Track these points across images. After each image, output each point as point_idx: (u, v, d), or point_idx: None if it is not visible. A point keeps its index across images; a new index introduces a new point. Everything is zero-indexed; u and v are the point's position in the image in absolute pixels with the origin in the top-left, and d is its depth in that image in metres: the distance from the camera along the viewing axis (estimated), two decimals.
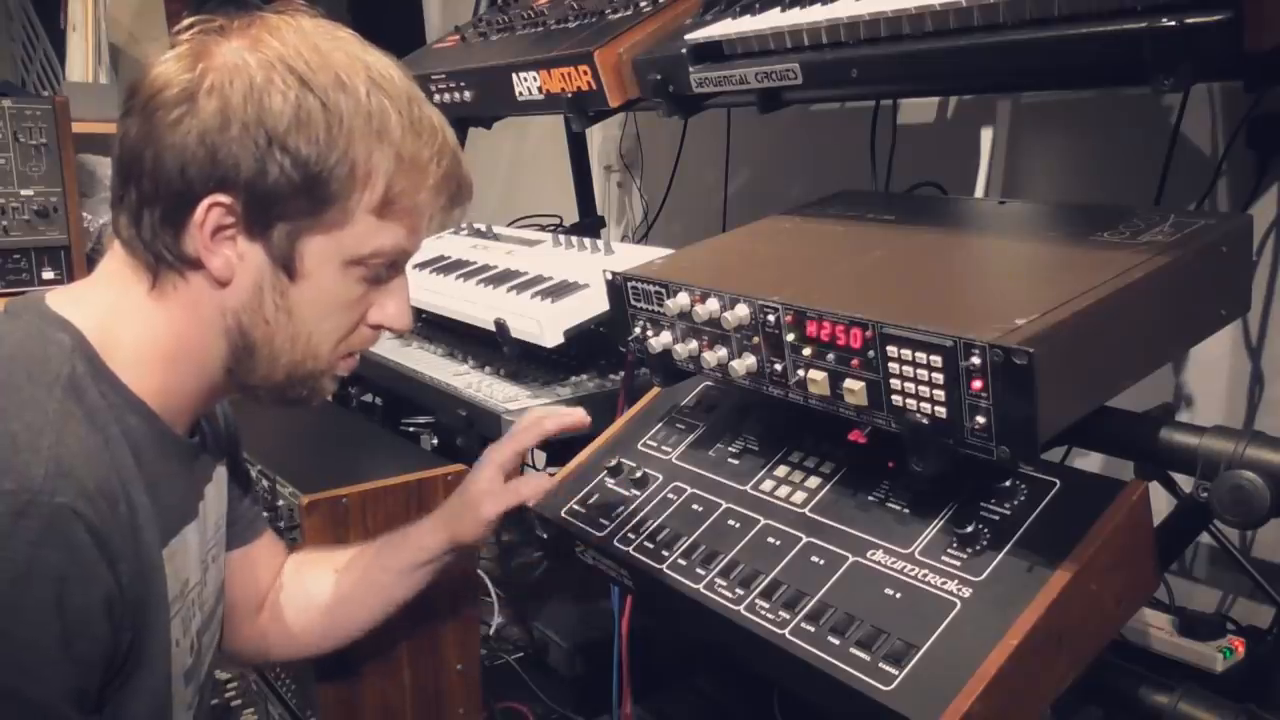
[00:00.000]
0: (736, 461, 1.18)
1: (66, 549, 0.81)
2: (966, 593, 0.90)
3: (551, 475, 1.26)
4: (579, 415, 1.23)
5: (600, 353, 1.64)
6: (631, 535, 1.16)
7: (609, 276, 1.23)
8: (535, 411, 1.29)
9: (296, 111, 0.87)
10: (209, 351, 0.95)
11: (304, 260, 0.92)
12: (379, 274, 0.97)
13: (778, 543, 1.04)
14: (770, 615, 0.97)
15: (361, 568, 1.29)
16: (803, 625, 0.94)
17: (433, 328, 1.91)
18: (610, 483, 1.25)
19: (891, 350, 0.91)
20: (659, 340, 1.17)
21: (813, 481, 1.09)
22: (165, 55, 0.91)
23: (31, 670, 0.80)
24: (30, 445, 0.82)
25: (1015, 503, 0.95)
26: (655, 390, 1.35)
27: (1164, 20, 0.87)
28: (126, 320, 0.94)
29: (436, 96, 2.03)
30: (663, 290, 1.16)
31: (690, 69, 1.41)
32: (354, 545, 1.34)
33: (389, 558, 1.28)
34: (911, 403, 0.91)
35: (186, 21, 0.92)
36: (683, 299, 1.13)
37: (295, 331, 0.95)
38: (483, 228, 2.13)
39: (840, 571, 0.98)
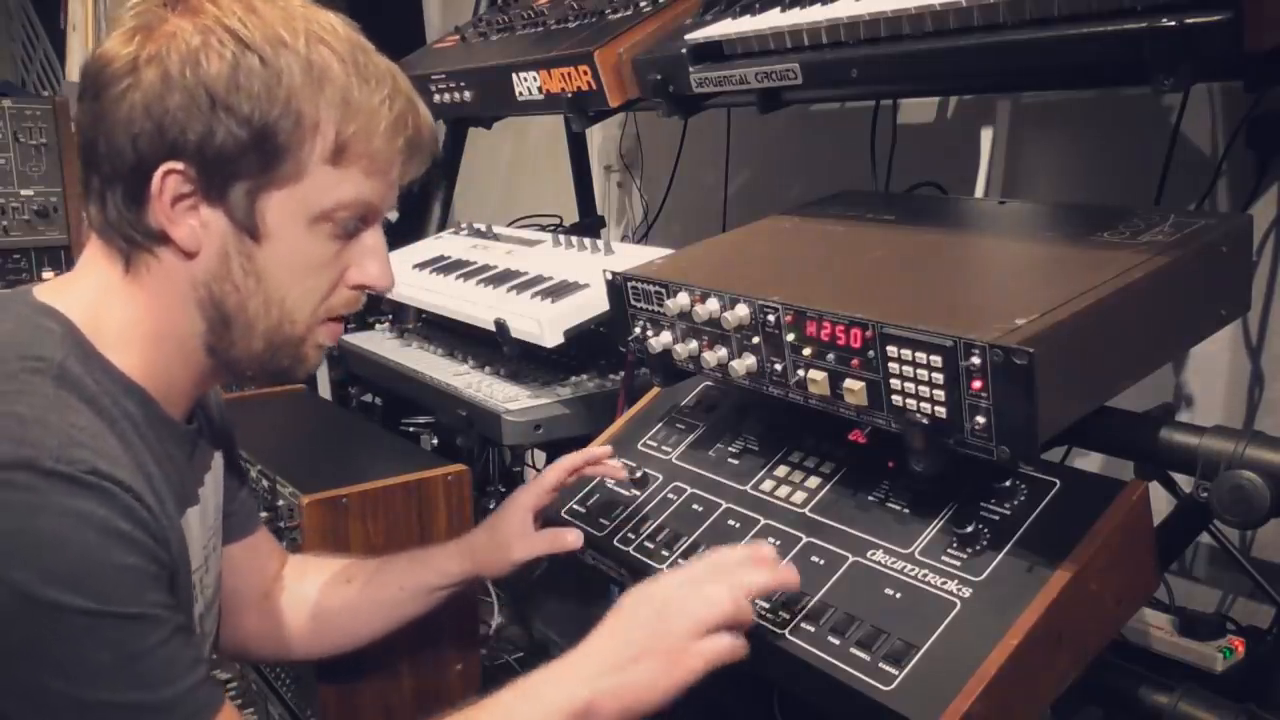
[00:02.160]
0: (736, 461, 1.18)
1: (102, 496, 0.81)
2: (966, 593, 0.90)
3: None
4: (605, 449, 1.22)
5: (600, 353, 1.64)
6: (631, 535, 1.16)
7: (609, 276, 1.23)
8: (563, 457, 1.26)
9: (234, 70, 0.87)
10: (188, 329, 0.95)
11: (266, 220, 0.91)
12: (347, 228, 0.95)
13: (778, 543, 1.04)
14: (770, 615, 0.97)
15: (372, 581, 1.29)
16: (803, 625, 0.95)
17: (433, 328, 1.91)
18: (610, 483, 1.25)
19: (891, 350, 0.91)
20: (659, 340, 1.18)
21: (813, 481, 1.09)
22: (110, 34, 0.91)
23: (124, 589, 0.80)
24: (39, 420, 0.82)
25: (1015, 503, 0.95)
26: (655, 390, 1.35)
27: (1164, 20, 0.88)
28: (109, 307, 0.93)
29: (436, 96, 2.03)
30: (663, 290, 1.16)
31: (690, 69, 1.41)
32: (358, 556, 1.33)
33: (405, 576, 1.28)
34: (911, 403, 0.91)
35: (131, 1, 0.92)
36: (683, 299, 1.13)
37: (268, 295, 0.94)
38: (483, 228, 2.13)
39: (840, 571, 0.98)
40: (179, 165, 0.88)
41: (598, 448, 1.24)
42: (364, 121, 0.92)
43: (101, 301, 0.94)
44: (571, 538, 1.20)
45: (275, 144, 0.89)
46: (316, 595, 1.30)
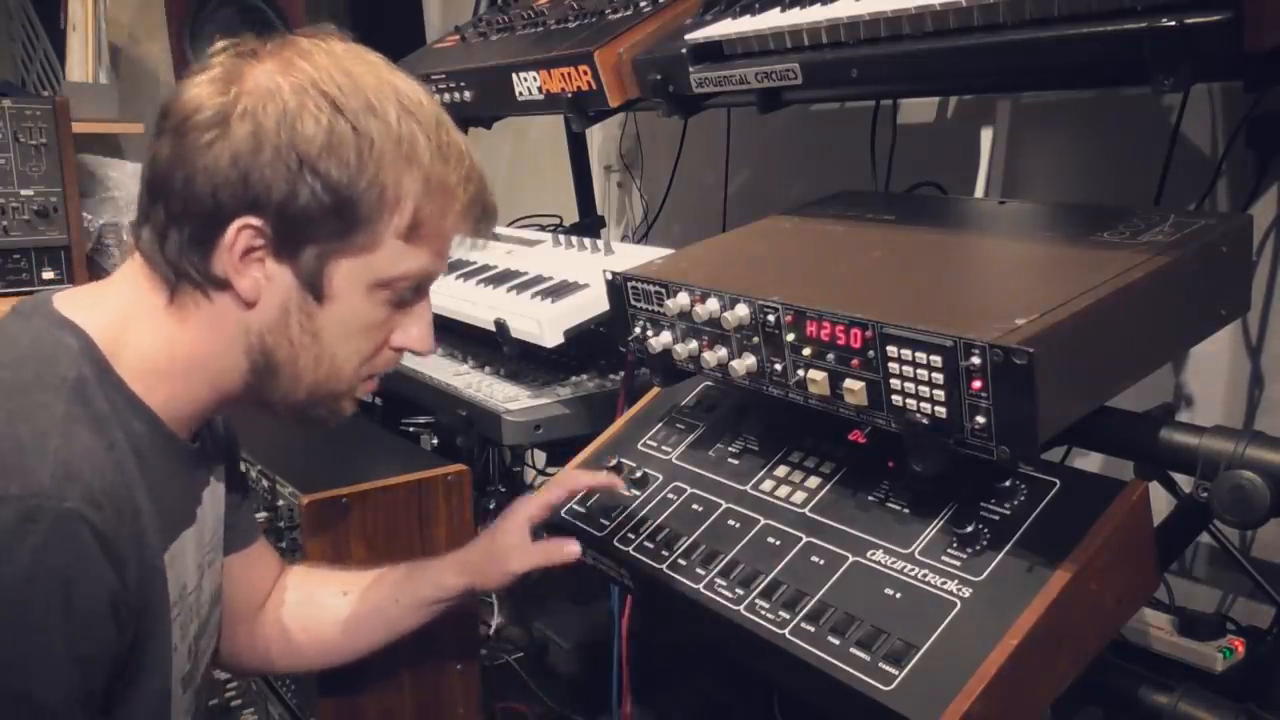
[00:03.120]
0: (736, 461, 1.18)
1: (72, 553, 0.81)
2: (966, 593, 0.90)
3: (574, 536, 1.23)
4: (613, 479, 1.20)
5: (600, 353, 1.64)
6: (631, 535, 1.16)
7: (609, 276, 1.23)
8: (569, 470, 1.26)
9: (329, 135, 0.88)
10: (228, 368, 0.96)
11: (332, 283, 0.92)
12: (404, 297, 0.97)
13: (778, 543, 1.04)
14: (770, 615, 0.97)
15: (373, 594, 1.28)
16: (803, 625, 0.95)
17: None
18: None
19: (891, 350, 0.91)
20: (659, 340, 1.17)
21: (813, 481, 1.09)
22: (198, 78, 0.91)
23: (39, 673, 0.80)
24: (37, 448, 0.82)
25: (1015, 503, 0.95)
26: (655, 390, 1.35)
27: (1164, 20, 0.87)
28: (138, 329, 0.94)
29: (436, 96, 2.02)
30: (663, 290, 1.16)
31: (690, 69, 1.41)
32: (362, 568, 1.33)
33: (403, 590, 1.27)
34: (911, 403, 0.91)
35: (219, 45, 0.93)
36: (683, 299, 1.13)
37: (319, 353, 0.96)
38: None
39: (840, 571, 0.98)
40: (257, 221, 0.88)
41: (606, 475, 1.22)
42: (441, 202, 0.94)
43: (130, 324, 0.94)
44: (569, 548, 1.20)
45: (356, 214, 0.90)
46: (312, 609, 1.30)
